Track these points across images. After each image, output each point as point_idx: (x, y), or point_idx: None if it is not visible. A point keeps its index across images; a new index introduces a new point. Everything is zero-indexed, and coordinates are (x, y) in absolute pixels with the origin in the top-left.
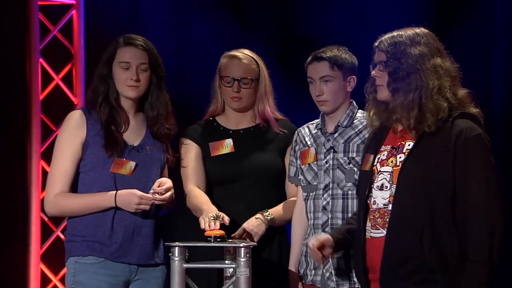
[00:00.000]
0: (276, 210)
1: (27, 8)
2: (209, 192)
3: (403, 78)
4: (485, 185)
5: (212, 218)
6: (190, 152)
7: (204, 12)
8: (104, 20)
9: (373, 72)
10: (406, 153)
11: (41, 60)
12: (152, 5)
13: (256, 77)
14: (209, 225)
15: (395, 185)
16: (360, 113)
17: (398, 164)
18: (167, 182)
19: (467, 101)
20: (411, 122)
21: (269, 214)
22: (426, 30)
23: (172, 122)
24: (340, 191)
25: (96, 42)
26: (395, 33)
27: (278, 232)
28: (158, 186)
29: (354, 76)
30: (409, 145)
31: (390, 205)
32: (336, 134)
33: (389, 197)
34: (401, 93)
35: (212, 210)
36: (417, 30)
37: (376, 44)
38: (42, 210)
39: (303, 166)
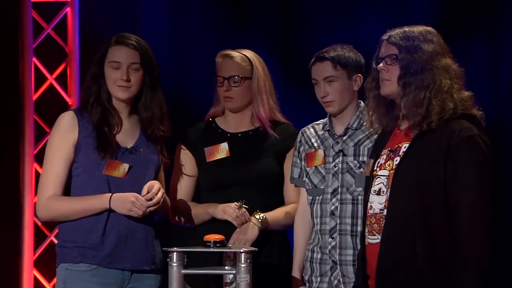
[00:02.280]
0: (271, 214)
1: (20, 5)
2: (203, 197)
3: (415, 73)
4: (474, 188)
5: (237, 207)
6: (185, 163)
7: (203, 10)
8: (100, 18)
9: (380, 65)
10: (401, 156)
11: (34, 59)
12: (149, 2)
13: (248, 75)
14: (237, 215)
15: (390, 189)
16: None
17: (394, 167)
18: (154, 184)
19: (470, 103)
20: (416, 119)
21: (261, 215)
22: (434, 30)
23: (167, 124)
24: (349, 196)
25: (91, 40)
26: (406, 28)
27: (278, 236)
28: (147, 192)
29: (360, 75)
30: (405, 147)
31: (386, 210)
32: (345, 137)
33: (385, 201)
34: (413, 88)
35: (222, 205)
36: (427, 28)
37: (385, 37)
38: (35, 214)
39: (308, 169)
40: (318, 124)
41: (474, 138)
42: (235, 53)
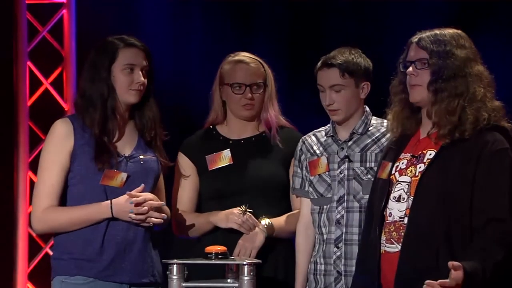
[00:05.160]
0: (277, 220)
1: (15, 7)
2: (205, 208)
3: (448, 79)
4: (507, 203)
5: (241, 212)
6: (186, 173)
7: (204, 12)
8: (97, 20)
9: (409, 70)
10: (427, 163)
11: (29, 63)
12: (148, 3)
13: (265, 81)
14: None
15: (412, 197)
16: (374, 120)
17: (417, 174)
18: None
19: (501, 114)
20: (448, 128)
21: (267, 221)
22: (465, 33)
23: (163, 127)
24: (356, 204)
25: (88, 43)
26: (437, 31)
27: (283, 247)
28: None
29: (367, 82)
30: (430, 154)
31: (406, 218)
32: (351, 142)
33: (406, 209)
34: (445, 95)
35: (224, 212)
36: (458, 31)
37: (415, 40)
38: (30, 225)
39: (312, 177)
40: (319, 131)
41: (506, 151)
42: (248, 58)
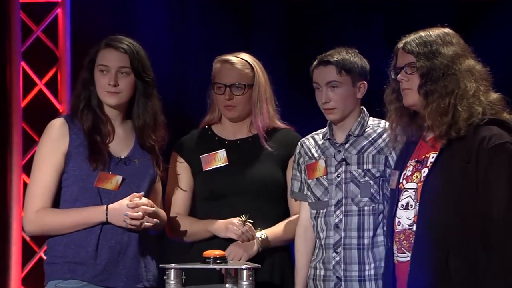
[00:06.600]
0: (273, 230)
1: (8, 6)
2: (199, 209)
3: (437, 80)
4: (507, 200)
5: (241, 223)
6: (180, 174)
7: (204, 11)
8: (93, 19)
9: (399, 76)
10: (430, 167)
11: (23, 64)
12: (145, 3)
13: (251, 82)
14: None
15: (419, 203)
16: (371, 121)
17: (422, 179)
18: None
19: (500, 106)
20: (442, 128)
21: (263, 234)
22: (452, 30)
23: (161, 134)
24: (355, 207)
25: (83, 43)
26: (422, 33)
27: (280, 251)
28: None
29: (364, 82)
30: (432, 157)
31: (415, 225)
32: (347, 145)
33: (414, 216)
34: (436, 96)
35: (223, 222)
36: (444, 29)
37: (401, 45)
38: (23, 228)
39: (310, 181)
40: (317, 134)
41: (505, 145)
42: (235, 59)
